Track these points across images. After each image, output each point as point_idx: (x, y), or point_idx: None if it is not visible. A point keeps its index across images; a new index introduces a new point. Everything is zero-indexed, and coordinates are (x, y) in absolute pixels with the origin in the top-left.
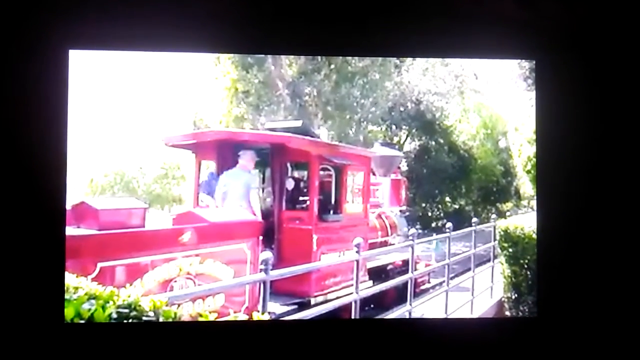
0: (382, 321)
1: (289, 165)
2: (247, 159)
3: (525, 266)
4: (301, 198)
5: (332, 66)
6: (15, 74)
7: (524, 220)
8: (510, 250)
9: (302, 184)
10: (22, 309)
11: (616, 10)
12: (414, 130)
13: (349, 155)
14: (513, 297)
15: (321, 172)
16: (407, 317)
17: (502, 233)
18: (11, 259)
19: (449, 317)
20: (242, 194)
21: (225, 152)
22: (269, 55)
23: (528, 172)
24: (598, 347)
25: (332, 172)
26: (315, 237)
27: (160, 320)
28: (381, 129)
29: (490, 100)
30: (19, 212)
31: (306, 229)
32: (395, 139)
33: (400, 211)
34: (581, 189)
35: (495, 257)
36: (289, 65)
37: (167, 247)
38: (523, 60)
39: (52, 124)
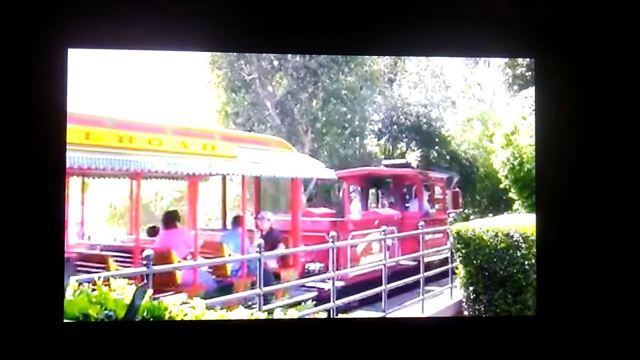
0: (380, 320)
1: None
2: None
3: (479, 266)
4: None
5: (319, 84)
6: (14, 72)
7: (476, 223)
8: (464, 251)
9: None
10: (22, 307)
11: (615, 8)
12: (412, 142)
13: (434, 178)
14: (471, 296)
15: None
16: (408, 316)
17: (455, 235)
18: (11, 258)
19: (449, 316)
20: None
21: (367, 180)
22: (256, 78)
23: (506, 177)
24: (596, 345)
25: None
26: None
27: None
28: (379, 142)
29: (492, 108)
30: (18, 211)
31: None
32: (397, 152)
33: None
34: (580, 188)
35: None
36: (276, 85)
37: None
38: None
39: (51, 123)
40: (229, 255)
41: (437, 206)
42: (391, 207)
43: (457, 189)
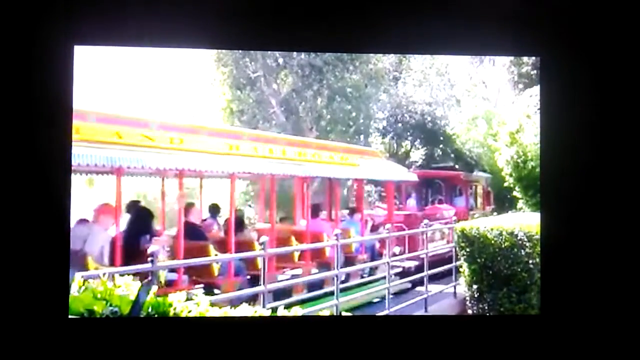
0: (383, 318)
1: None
2: None
3: (483, 265)
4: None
5: (324, 82)
6: (21, 70)
7: (480, 222)
8: (468, 249)
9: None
10: (27, 303)
11: (621, 6)
12: (417, 141)
13: (475, 179)
14: (475, 295)
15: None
16: (411, 314)
17: (459, 234)
18: (17, 255)
19: (452, 314)
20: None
21: (420, 181)
22: (261, 75)
23: (510, 175)
24: (601, 344)
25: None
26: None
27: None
28: (383, 140)
29: (497, 107)
30: (25, 208)
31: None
32: (402, 150)
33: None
34: (585, 187)
35: (457, 257)
36: (281, 83)
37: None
38: (512, 65)
39: (57, 120)
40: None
41: (479, 202)
42: (440, 204)
43: (489, 189)
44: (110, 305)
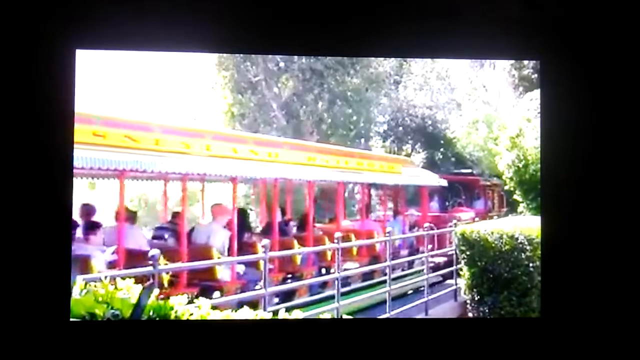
0: (384, 321)
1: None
2: None
3: (484, 268)
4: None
5: (325, 86)
6: (23, 73)
7: (480, 225)
8: (468, 253)
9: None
10: (29, 306)
11: (620, 10)
12: (418, 144)
13: (492, 183)
14: (476, 298)
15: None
16: (412, 317)
17: (459, 237)
18: (18, 258)
19: (453, 317)
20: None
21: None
22: (262, 79)
23: (510, 179)
24: (601, 348)
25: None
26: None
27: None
28: (384, 144)
29: (498, 111)
30: (26, 210)
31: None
32: (402, 154)
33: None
34: (585, 191)
35: (458, 260)
36: (282, 86)
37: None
38: (512, 69)
39: (58, 124)
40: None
41: (496, 205)
42: (460, 206)
43: (502, 193)
44: (112, 309)
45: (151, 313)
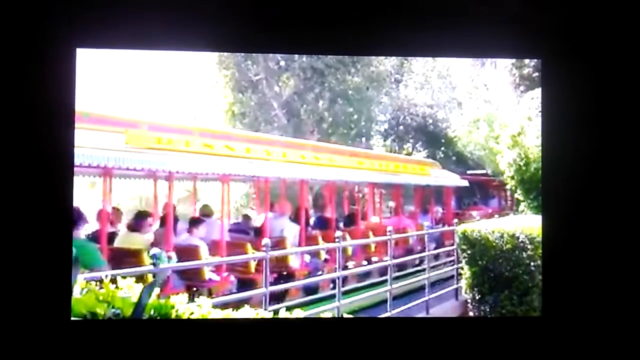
0: (385, 320)
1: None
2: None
3: (485, 267)
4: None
5: (326, 84)
6: (23, 72)
7: (482, 224)
8: (469, 252)
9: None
10: (30, 305)
11: (622, 9)
12: (419, 143)
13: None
14: (477, 297)
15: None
16: (413, 316)
17: (460, 236)
18: (19, 256)
19: (453, 316)
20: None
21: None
22: (263, 78)
23: (512, 178)
24: (602, 347)
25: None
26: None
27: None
28: (385, 142)
29: (499, 110)
30: (27, 210)
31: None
32: (403, 152)
33: None
34: (587, 189)
35: (459, 259)
36: (283, 85)
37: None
38: (513, 68)
39: (59, 123)
40: None
41: (508, 203)
42: (474, 206)
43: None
44: (113, 308)
45: (152, 312)
